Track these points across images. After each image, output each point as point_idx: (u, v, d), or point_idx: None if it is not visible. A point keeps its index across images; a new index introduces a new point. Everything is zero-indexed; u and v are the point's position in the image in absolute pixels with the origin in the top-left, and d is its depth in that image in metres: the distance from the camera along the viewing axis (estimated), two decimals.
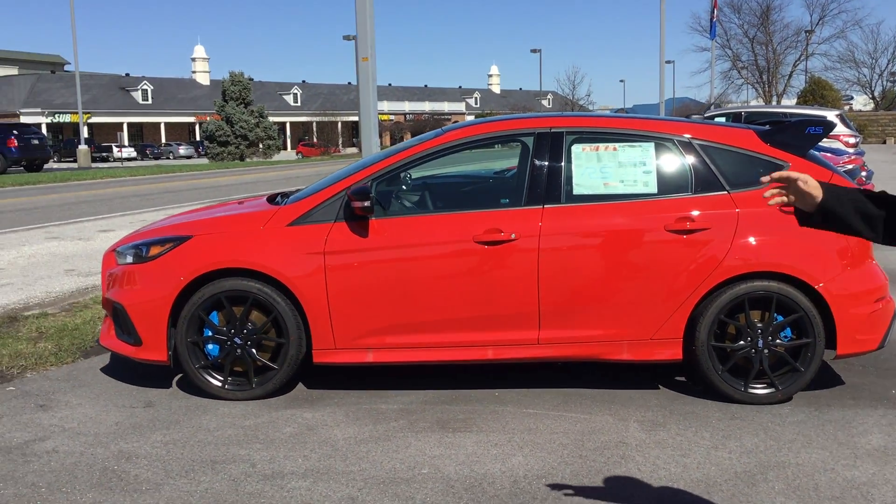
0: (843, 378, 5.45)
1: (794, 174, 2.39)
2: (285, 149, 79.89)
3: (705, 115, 14.17)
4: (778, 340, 4.94)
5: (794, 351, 4.95)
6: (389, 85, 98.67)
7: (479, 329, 5.01)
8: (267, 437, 4.60)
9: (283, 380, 5.19)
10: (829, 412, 4.83)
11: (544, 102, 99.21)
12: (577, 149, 5.10)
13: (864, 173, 10.96)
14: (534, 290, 4.94)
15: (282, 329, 5.12)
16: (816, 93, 50.16)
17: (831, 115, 15.27)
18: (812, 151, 5.21)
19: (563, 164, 5.07)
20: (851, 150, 14.28)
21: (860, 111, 60.72)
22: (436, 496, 3.82)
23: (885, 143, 49.83)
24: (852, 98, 71.14)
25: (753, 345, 4.93)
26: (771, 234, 4.89)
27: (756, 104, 52.65)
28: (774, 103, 56.85)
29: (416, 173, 5.71)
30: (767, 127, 5.30)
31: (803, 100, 50.24)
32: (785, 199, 2.43)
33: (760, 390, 4.97)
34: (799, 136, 5.07)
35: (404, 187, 5.62)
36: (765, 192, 2.45)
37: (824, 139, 15.39)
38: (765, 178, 2.44)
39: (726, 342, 5.00)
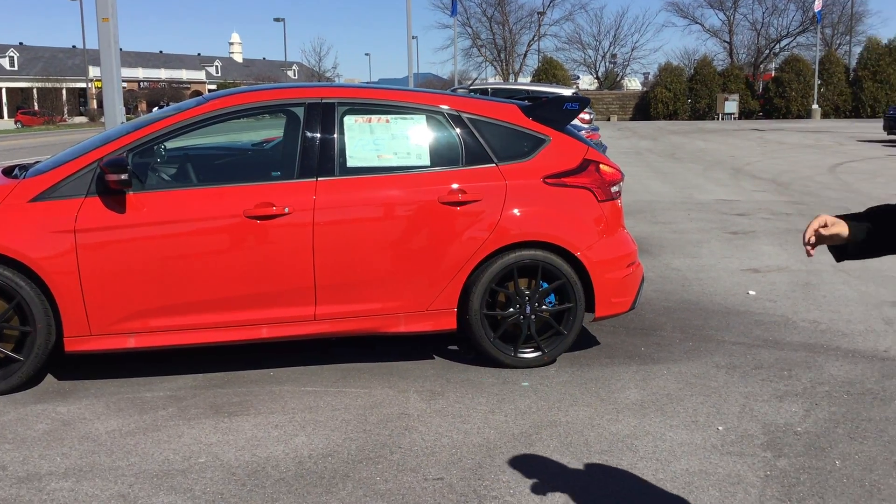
0: (598, 339, 5.83)
1: (817, 227, 2.34)
2: (1, 117, 72.35)
3: (470, 89, 14.55)
4: (544, 306, 5.19)
5: (558, 315, 5.22)
6: (121, 50, 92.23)
7: (252, 307, 4.80)
8: (17, 435, 4.12)
9: (31, 372, 4.68)
10: (590, 371, 5.16)
11: (290, 73, 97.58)
12: (349, 120, 5.01)
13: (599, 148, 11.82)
14: (309, 266, 4.81)
15: (27, 316, 4.60)
16: (548, 72, 53.44)
17: (567, 93, 16.28)
18: (569, 126, 5.48)
19: (335, 135, 4.96)
20: (588, 126, 15.34)
21: (586, 90, 65.59)
22: (216, 485, 3.62)
23: (609, 119, 54.24)
24: (579, 77, 76.57)
25: (522, 311, 5.14)
26: (536, 206, 5.10)
27: (494, 81, 55.17)
28: (512, 80, 59.94)
29: (175, 144, 5.34)
30: (528, 102, 5.50)
31: (537, 78, 53.33)
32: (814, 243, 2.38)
33: (529, 354, 5.19)
34: (558, 111, 5.31)
35: (165, 159, 5.24)
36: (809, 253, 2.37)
37: None
38: (810, 251, 2.36)
39: (497, 310, 5.17)
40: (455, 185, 4.99)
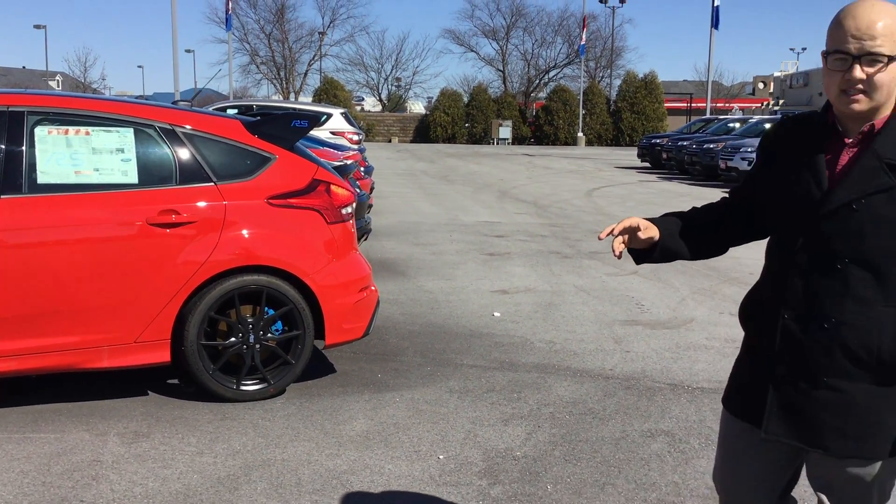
0: (335, 366, 5.60)
1: (631, 223, 2.27)
2: None
3: (215, 108, 13.93)
4: (269, 334, 4.88)
5: (286, 344, 4.93)
6: None
7: None
8: None
9: None
10: (319, 401, 4.90)
11: (52, 84, 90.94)
12: (41, 131, 4.46)
13: (362, 168, 11.69)
14: None
15: None
16: (330, 92, 53.12)
17: (337, 113, 16.11)
18: (299, 145, 5.22)
19: (24, 148, 4.40)
20: (355, 147, 15.26)
21: (370, 112, 66.03)
22: None
23: (390, 141, 54.86)
24: (363, 99, 76.92)
25: (245, 341, 4.80)
26: (259, 228, 4.80)
27: (277, 99, 54.27)
28: (293, 99, 59.07)
29: None
30: (257, 118, 5.21)
31: (318, 98, 52.87)
32: (625, 245, 2.32)
33: (252, 387, 4.86)
34: (285, 128, 5.04)
35: None
36: (614, 251, 2.28)
37: (331, 135, 15.97)
38: (602, 234, 2.28)
39: (218, 340, 4.80)
40: (167, 206, 4.57)
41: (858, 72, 1.98)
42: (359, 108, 68.10)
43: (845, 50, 1.98)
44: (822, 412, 2.08)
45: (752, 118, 29.09)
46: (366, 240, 8.86)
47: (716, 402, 5.04)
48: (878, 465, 2.10)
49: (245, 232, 4.74)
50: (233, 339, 4.80)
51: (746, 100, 69.65)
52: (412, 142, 55.72)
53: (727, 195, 2.43)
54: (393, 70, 72.30)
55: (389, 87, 73.52)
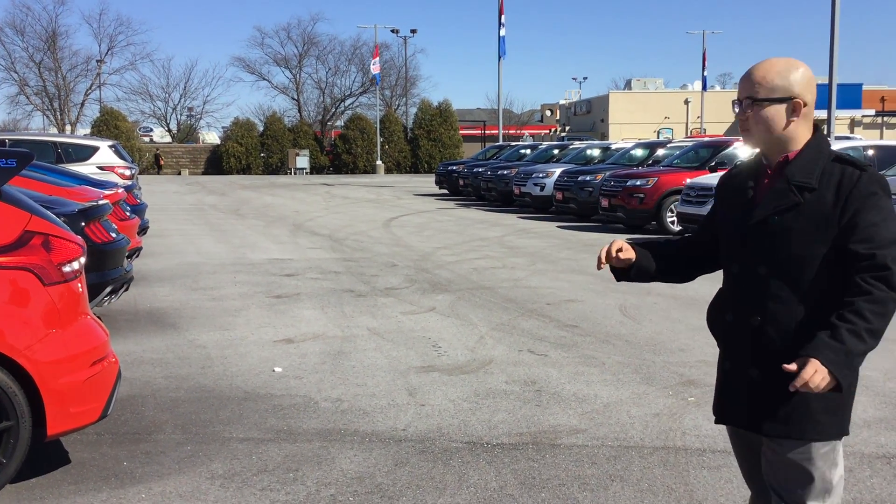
0: (70, 455, 4.59)
1: (614, 251, 2.60)
2: None
3: None
4: None
5: None
6: None
7: None
8: None
9: None
10: None
11: None
12: None
13: (129, 207, 10.48)
14: None
15: None
16: (111, 123, 49.71)
17: (104, 146, 14.67)
18: (8, 188, 4.22)
19: None
20: (129, 182, 13.92)
21: (159, 143, 62.68)
22: None
23: (180, 174, 52.21)
24: (152, 130, 72.96)
25: None
26: None
27: (33, 131, 50.29)
28: (68, 132, 54.83)
29: None
30: None
31: (98, 130, 49.28)
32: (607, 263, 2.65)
33: None
34: None
35: None
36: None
37: (99, 170, 14.50)
38: (603, 258, 2.63)
39: None
40: None
41: (740, 112, 2.45)
42: (147, 139, 64.55)
43: (738, 97, 2.46)
44: (755, 397, 2.41)
45: (541, 144, 29.94)
46: (126, 290, 7.75)
47: (516, 461, 4.52)
48: (812, 449, 2.36)
49: None
50: None
51: (536, 126, 72.69)
52: (204, 173, 53.42)
53: (689, 235, 2.80)
54: (181, 99, 69.26)
55: (179, 116, 70.34)
